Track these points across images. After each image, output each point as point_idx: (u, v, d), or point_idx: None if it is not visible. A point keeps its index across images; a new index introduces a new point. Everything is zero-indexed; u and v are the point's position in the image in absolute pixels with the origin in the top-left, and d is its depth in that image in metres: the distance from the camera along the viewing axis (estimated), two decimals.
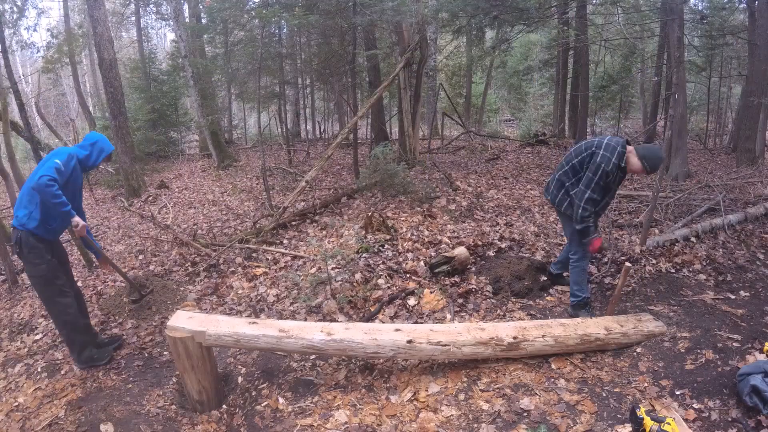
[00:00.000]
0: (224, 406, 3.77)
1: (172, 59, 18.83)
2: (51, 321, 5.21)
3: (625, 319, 4.01)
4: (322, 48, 13.41)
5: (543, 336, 3.62)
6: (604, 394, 3.29)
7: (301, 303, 4.97)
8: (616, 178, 4.10)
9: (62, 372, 4.33)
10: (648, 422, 2.84)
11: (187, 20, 15.39)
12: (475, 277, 5.20)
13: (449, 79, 23.46)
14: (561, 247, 5.98)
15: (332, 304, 4.84)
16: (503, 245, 5.97)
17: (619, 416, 3.07)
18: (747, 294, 4.57)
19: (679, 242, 5.79)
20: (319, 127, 21.90)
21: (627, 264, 3.93)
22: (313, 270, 5.75)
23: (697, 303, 4.42)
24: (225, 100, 20.42)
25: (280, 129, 17.62)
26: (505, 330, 3.68)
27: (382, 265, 5.56)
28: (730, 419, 2.90)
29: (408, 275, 5.33)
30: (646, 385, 3.32)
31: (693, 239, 5.87)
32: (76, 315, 4.30)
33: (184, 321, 3.59)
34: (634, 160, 3.96)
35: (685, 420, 2.93)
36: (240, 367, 4.23)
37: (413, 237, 6.27)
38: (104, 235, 9.05)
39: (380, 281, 5.20)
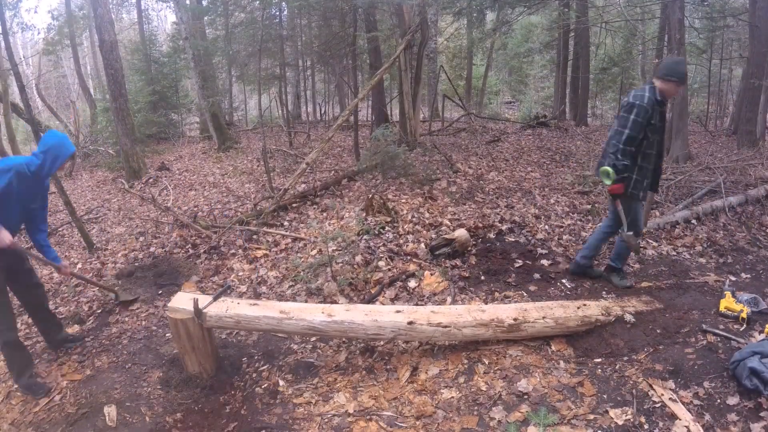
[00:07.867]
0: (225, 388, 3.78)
1: (173, 41, 18.71)
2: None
3: (626, 300, 4.01)
4: (322, 30, 13.33)
5: (543, 317, 3.62)
6: (604, 376, 3.30)
7: (302, 285, 4.97)
8: (655, 114, 3.94)
9: (61, 355, 4.34)
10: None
11: (187, 2, 15.29)
12: (475, 259, 5.20)
13: (450, 61, 23.33)
14: (561, 229, 5.96)
15: (333, 286, 4.84)
16: (504, 227, 5.97)
17: (618, 398, 3.08)
18: (748, 276, 4.58)
19: (680, 224, 5.80)
20: (320, 109, 21.81)
21: None
22: (314, 252, 5.75)
23: (698, 285, 4.42)
24: (226, 82, 20.30)
25: (280, 111, 17.54)
26: (505, 311, 3.68)
27: (382, 248, 5.55)
28: (730, 402, 2.90)
29: (408, 257, 5.33)
30: (646, 367, 3.33)
31: (694, 221, 5.87)
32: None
33: (185, 302, 3.59)
34: (664, 85, 3.90)
35: (684, 402, 2.94)
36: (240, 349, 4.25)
37: (414, 219, 6.26)
38: (105, 217, 9.05)
39: (381, 263, 5.20)
